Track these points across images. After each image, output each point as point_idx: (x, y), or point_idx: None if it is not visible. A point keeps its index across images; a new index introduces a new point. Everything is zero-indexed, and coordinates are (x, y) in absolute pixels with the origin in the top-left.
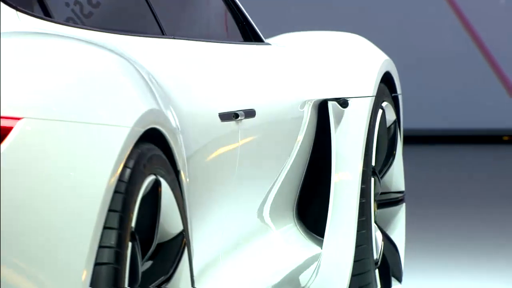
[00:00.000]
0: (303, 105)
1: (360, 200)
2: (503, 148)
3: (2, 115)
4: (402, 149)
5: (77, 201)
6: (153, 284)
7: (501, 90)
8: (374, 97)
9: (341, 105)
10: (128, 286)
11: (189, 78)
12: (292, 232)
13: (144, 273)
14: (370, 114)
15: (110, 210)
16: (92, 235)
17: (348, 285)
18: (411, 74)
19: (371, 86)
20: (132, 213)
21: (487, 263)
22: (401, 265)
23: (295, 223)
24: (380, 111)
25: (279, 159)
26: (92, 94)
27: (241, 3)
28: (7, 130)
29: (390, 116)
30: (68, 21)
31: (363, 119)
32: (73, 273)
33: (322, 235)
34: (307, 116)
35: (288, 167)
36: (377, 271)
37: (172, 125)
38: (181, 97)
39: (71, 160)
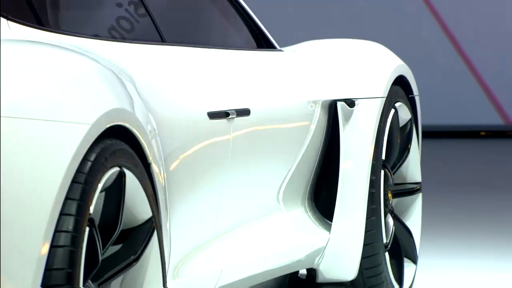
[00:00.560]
0: (314, 104)
1: (370, 190)
2: (480, 142)
3: None
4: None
5: (36, 190)
6: (123, 263)
7: (480, 93)
8: (384, 98)
9: (348, 105)
10: (88, 266)
11: (197, 82)
12: (302, 217)
13: (115, 254)
14: (380, 113)
15: (68, 198)
16: (48, 220)
17: (359, 266)
18: None
19: (382, 88)
20: (91, 201)
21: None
22: (415, 249)
23: (305, 209)
24: (393, 110)
25: (284, 153)
26: (56, 94)
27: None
28: None
29: (405, 115)
30: (60, 29)
31: (372, 117)
32: (30, 254)
33: None
34: (318, 115)
35: (298, 159)
36: (387, 254)
37: (141, 123)
38: (186, 99)
39: (34, 153)
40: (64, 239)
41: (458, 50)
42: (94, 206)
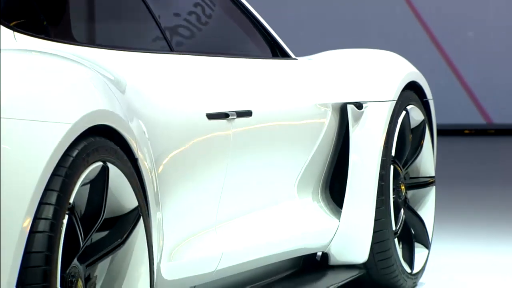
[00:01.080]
0: (326, 107)
1: (379, 183)
2: (464, 139)
3: None
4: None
5: (18, 181)
6: (110, 247)
7: (464, 96)
8: (394, 101)
9: (357, 107)
10: (69, 250)
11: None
12: (313, 206)
13: (102, 239)
14: (390, 114)
15: (48, 189)
16: (27, 209)
17: (370, 250)
18: None
19: (392, 92)
20: (71, 192)
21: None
22: (428, 236)
23: (318, 199)
24: (404, 112)
25: (296, 149)
26: (42, 97)
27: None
28: None
29: (417, 117)
30: (65, 39)
31: (382, 118)
32: (10, 238)
33: None
34: (330, 116)
35: (312, 154)
36: (396, 239)
37: (127, 123)
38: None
39: (19, 150)
40: (43, 225)
41: (444, 56)
42: (82, 196)
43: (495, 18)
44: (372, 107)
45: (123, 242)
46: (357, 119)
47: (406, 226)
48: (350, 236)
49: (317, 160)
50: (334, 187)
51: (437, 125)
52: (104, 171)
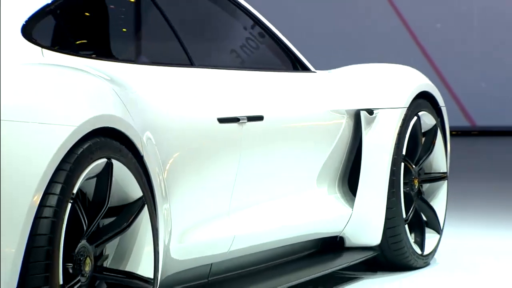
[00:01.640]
0: (342, 112)
1: (391, 177)
2: (451, 140)
3: None
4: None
5: (25, 173)
6: (117, 229)
7: (450, 101)
8: (405, 108)
9: (369, 113)
10: (74, 233)
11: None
12: (329, 196)
13: (110, 223)
14: (402, 119)
15: (53, 181)
16: (32, 198)
17: (382, 234)
18: None
19: (403, 100)
20: (74, 184)
21: None
22: (439, 223)
23: (335, 190)
24: (415, 117)
25: (313, 147)
26: (52, 104)
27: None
28: None
29: (429, 121)
30: (88, 55)
31: (393, 122)
32: (17, 221)
33: None
34: (346, 120)
35: (330, 151)
36: (407, 226)
37: (131, 126)
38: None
39: (28, 147)
40: (48, 212)
41: (430, 63)
42: (89, 187)
43: (479, 25)
44: (384, 113)
45: (128, 226)
46: (369, 123)
47: (418, 215)
48: (363, 222)
49: (334, 157)
50: (351, 181)
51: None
52: (109, 167)
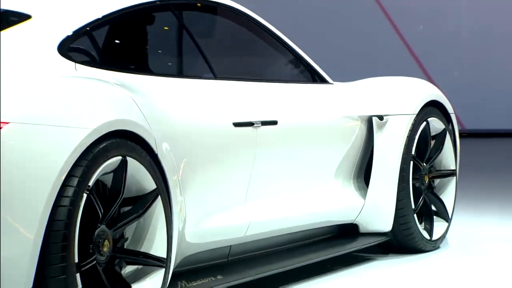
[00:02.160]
0: (356, 118)
1: (401, 173)
2: None
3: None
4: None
5: (44, 167)
6: (133, 215)
7: None
8: (414, 115)
9: (380, 119)
10: (90, 219)
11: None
12: (343, 188)
13: (128, 211)
14: (411, 124)
15: (70, 175)
16: (50, 189)
17: (393, 222)
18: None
19: (413, 108)
20: (90, 178)
21: None
22: (447, 213)
23: (350, 183)
24: (424, 123)
25: (329, 147)
26: (70, 109)
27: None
28: None
29: (439, 126)
30: (118, 68)
31: (403, 127)
32: (36, 210)
33: None
34: (359, 125)
35: (347, 149)
36: (416, 215)
37: (145, 128)
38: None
39: (48, 146)
40: (65, 201)
41: (420, 66)
42: (107, 181)
43: (467, 27)
44: (393, 119)
45: (144, 213)
46: (380, 127)
47: (428, 205)
48: (374, 211)
49: (349, 156)
50: (367, 177)
51: None
52: (123, 163)
